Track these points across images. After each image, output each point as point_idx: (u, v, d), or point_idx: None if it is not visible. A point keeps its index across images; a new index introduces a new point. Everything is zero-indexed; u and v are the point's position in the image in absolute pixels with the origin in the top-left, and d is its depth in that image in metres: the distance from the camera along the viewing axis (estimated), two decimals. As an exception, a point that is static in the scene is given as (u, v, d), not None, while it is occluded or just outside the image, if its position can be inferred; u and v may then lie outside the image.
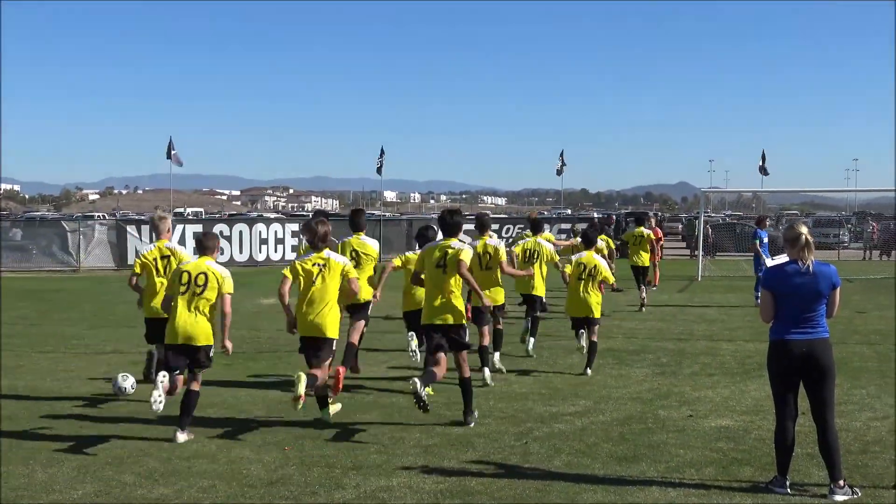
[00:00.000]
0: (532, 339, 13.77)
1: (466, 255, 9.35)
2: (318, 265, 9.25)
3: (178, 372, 9.01)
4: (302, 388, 8.55)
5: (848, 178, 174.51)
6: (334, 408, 9.60)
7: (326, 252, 9.37)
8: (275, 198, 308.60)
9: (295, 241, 35.97)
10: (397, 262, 11.80)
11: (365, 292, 11.02)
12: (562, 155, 48.58)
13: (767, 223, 19.84)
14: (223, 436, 8.92)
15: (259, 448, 8.45)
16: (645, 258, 21.25)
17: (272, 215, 67.99)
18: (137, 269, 11.02)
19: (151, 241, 10.96)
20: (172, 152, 40.02)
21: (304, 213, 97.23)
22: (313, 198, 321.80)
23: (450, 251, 9.32)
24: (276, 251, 35.74)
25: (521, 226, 33.87)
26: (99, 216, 63.58)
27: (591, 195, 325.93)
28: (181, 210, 79.81)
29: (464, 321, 9.48)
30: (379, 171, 43.56)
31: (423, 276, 9.62)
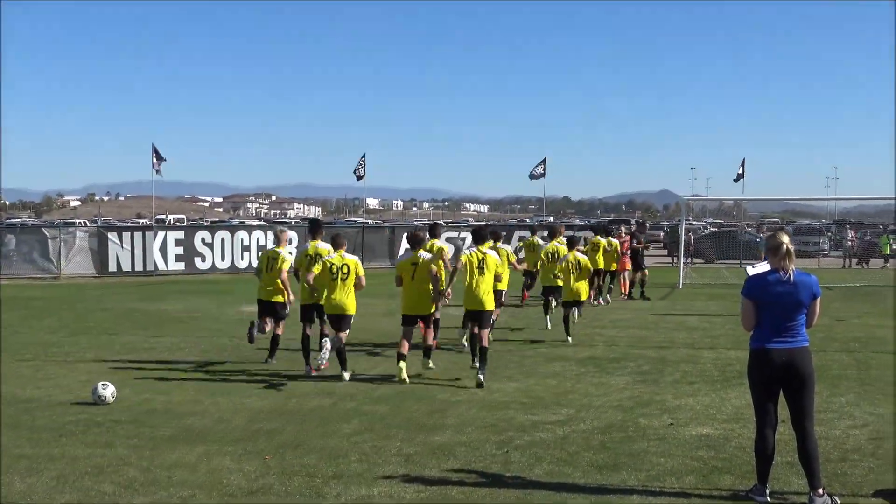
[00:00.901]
0: (548, 318, 17.89)
1: (498, 261, 13.01)
2: (414, 263, 12.51)
3: (337, 328, 12.34)
4: (405, 374, 12.15)
5: (828, 187, 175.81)
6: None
7: (420, 252, 12.65)
8: (257, 205, 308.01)
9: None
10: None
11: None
12: (543, 162, 48.56)
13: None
14: (204, 445, 8.87)
15: (240, 457, 8.41)
16: (600, 262, 22.46)
17: (254, 222, 68.02)
18: (257, 264, 14.29)
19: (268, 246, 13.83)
20: (155, 160, 39.72)
21: (287, 221, 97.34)
22: (296, 205, 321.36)
23: (487, 258, 12.64)
24: (257, 258, 35.49)
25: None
26: (80, 223, 63.33)
27: (573, 203, 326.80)
28: (163, 217, 79.80)
29: (493, 307, 12.78)
30: (359, 176, 43.38)
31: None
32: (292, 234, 34.11)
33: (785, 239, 7.01)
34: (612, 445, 8.75)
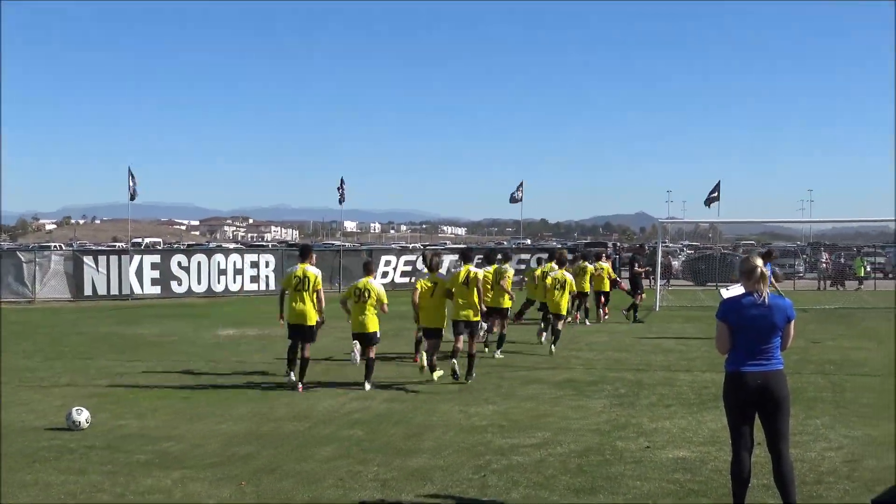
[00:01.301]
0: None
1: (480, 275, 14.57)
2: (433, 284, 14.22)
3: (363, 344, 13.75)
4: (436, 376, 14.12)
5: (802, 209, 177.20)
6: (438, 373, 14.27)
7: (437, 274, 14.44)
8: (234, 228, 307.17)
9: (254, 272, 35.83)
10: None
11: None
12: (521, 186, 48.81)
13: (773, 256, 20.09)
14: (179, 470, 8.80)
15: (215, 482, 8.34)
16: (586, 286, 24.07)
17: (231, 246, 67.70)
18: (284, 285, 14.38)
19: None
20: (131, 184, 39.55)
21: (264, 244, 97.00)
22: (273, 228, 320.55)
23: (471, 273, 14.28)
24: (234, 282, 35.44)
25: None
26: (55, 246, 62.87)
27: (550, 225, 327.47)
28: (139, 240, 79.30)
29: (478, 318, 14.48)
30: (341, 202, 43.42)
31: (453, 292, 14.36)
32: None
33: (759, 262, 7.06)
34: (589, 469, 8.74)
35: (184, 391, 13.47)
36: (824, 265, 45.21)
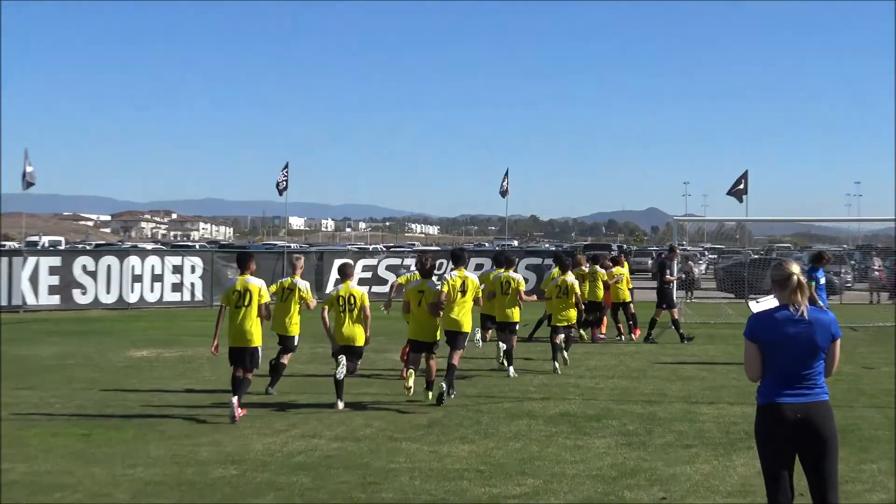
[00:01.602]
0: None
1: (478, 285, 15.62)
2: (421, 291, 14.92)
3: (348, 359, 14.55)
4: (411, 383, 14.73)
5: (849, 205, 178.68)
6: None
7: (428, 282, 15.11)
8: (153, 224, 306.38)
9: (176, 279, 35.62)
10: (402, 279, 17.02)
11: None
12: (506, 175, 48.82)
13: (826, 260, 20.06)
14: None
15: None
16: (599, 293, 24.90)
17: (149, 246, 67.37)
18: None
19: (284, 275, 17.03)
20: (28, 169, 39.14)
21: (189, 244, 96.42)
22: (202, 224, 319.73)
23: (468, 281, 15.31)
24: (152, 290, 35.23)
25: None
26: (-72, 246, 62.34)
27: (542, 223, 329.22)
28: (35, 238, 78.63)
29: (468, 330, 15.47)
30: (281, 190, 43.21)
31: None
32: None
33: (795, 269, 6.99)
34: (588, 525, 8.67)
35: (84, 427, 13.30)
36: (877, 273, 45.40)
